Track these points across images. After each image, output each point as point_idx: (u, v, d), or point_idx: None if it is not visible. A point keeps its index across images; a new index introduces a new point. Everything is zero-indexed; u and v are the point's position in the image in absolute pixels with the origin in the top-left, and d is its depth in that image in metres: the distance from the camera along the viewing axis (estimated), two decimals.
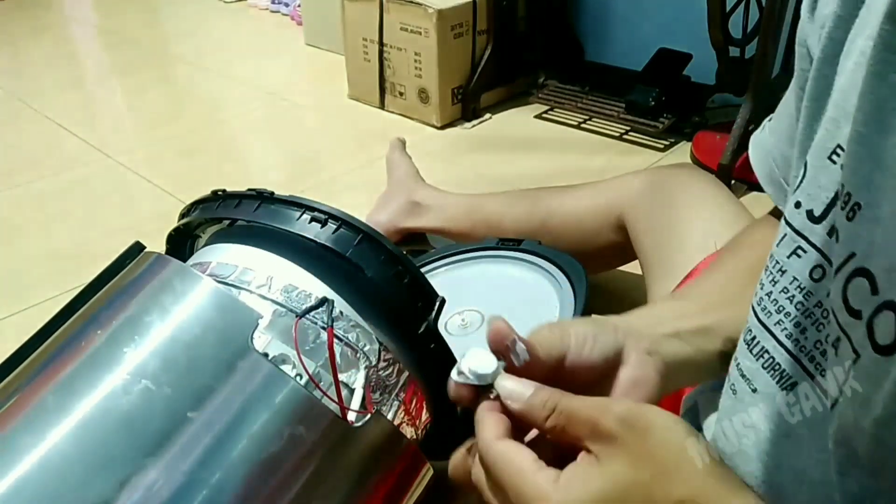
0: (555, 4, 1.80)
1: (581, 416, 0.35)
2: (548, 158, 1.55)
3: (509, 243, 1.06)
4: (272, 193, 0.46)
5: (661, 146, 1.54)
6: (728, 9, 1.34)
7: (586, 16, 1.88)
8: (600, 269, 1.06)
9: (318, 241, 0.43)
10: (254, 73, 2.07)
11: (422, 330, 0.46)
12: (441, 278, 1.06)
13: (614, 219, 0.97)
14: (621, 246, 0.97)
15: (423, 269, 1.04)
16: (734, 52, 1.40)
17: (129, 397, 0.38)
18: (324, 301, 0.42)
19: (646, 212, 0.93)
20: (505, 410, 0.36)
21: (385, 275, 0.44)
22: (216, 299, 0.42)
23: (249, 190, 0.48)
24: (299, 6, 2.34)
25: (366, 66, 1.76)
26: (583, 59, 1.88)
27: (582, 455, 0.35)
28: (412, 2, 1.60)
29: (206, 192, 0.51)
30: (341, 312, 0.42)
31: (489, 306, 0.98)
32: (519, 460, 0.34)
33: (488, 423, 0.36)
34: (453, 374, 0.36)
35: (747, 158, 1.62)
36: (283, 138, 1.75)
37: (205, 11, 2.69)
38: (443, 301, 0.48)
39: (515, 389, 0.36)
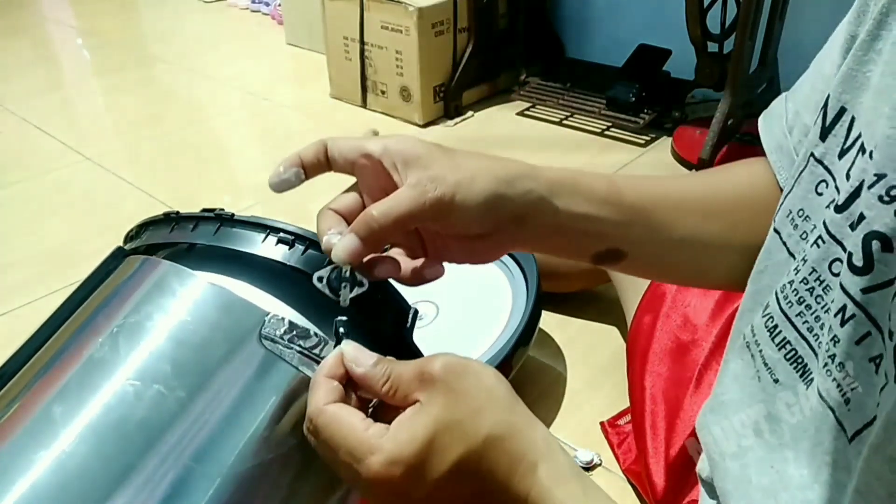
0: (535, 2, 1.80)
1: (410, 373, 0.37)
2: (530, 155, 1.54)
3: None
4: (232, 215, 0.45)
5: (643, 142, 1.54)
6: (706, 5, 1.35)
7: (566, 13, 1.88)
8: (573, 289, 1.06)
9: (288, 263, 0.43)
10: (234, 72, 2.06)
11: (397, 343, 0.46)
12: None
13: None
14: (593, 270, 0.97)
15: None
16: (712, 47, 1.41)
17: (142, 403, 0.38)
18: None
19: None
20: (340, 377, 0.38)
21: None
22: (220, 299, 0.42)
23: (205, 211, 0.47)
24: (279, 6, 2.32)
25: (347, 65, 1.75)
26: (563, 55, 1.88)
27: (409, 407, 0.37)
28: (393, 0, 1.59)
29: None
30: (315, 334, 0.42)
31: (443, 298, 0.97)
32: (349, 420, 0.36)
33: (320, 389, 0.37)
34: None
35: (727, 153, 1.61)
36: (264, 138, 1.75)
37: (184, 11, 2.67)
38: (416, 313, 0.48)
39: (359, 356, 0.38)
